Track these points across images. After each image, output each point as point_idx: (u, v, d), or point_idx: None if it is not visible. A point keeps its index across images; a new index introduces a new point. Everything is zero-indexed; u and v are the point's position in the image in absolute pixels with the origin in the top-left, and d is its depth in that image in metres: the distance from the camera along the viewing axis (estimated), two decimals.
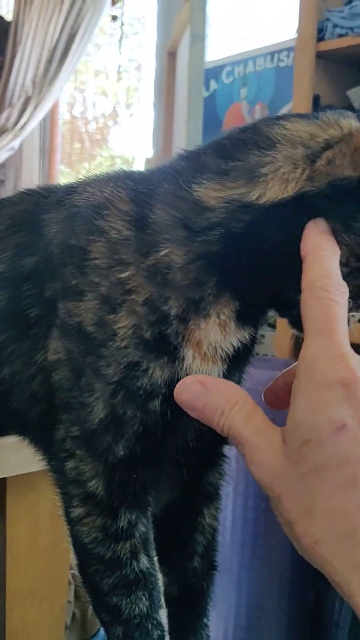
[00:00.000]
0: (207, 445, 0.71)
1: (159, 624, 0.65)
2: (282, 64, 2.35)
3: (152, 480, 0.64)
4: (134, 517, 0.63)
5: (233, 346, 0.62)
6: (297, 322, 0.61)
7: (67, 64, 3.01)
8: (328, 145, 0.60)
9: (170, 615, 0.74)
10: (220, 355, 0.61)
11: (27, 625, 1.02)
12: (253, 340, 0.64)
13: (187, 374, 0.60)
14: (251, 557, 1.76)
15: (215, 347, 0.60)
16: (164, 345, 0.59)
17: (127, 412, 0.60)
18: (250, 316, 0.61)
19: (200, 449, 0.70)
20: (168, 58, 2.71)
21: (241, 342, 0.62)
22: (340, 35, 1.76)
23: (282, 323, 1.91)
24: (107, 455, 0.61)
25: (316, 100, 1.86)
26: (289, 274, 0.59)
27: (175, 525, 0.74)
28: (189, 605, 0.74)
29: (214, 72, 2.61)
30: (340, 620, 1.69)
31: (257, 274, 0.59)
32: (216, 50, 2.81)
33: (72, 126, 4.74)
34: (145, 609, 0.63)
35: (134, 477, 0.61)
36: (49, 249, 0.65)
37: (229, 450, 0.75)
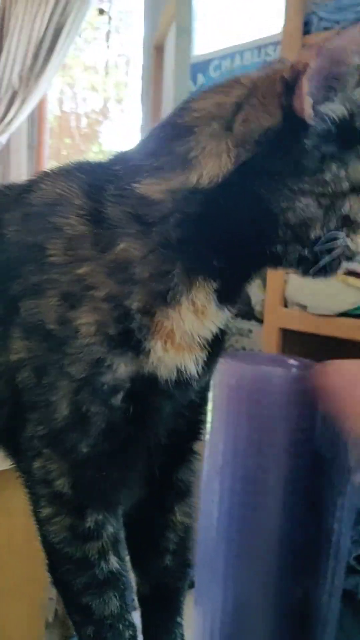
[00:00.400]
0: (178, 441, 0.71)
1: (131, 625, 0.65)
2: (269, 58, 2.33)
3: (120, 479, 0.64)
4: (101, 517, 0.63)
5: (212, 332, 0.62)
6: (300, 261, 0.62)
7: (54, 58, 3.00)
8: (238, 107, 0.61)
9: (143, 616, 0.74)
10: (199, 342, 0.62)
11: (5, 623, 1.01)
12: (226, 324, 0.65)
13: (156, 366, 0.60)
14: (237, 554, 1.75)
15: (192, 335, 0.61)
16: (129, 340, 0.59)
17: (90, 409, 0.60)
18: (231, 292, 0.61)
19: (171, 445, 0.70)
20: (155, 52, 2.69)
21: (220, 326, 0.62)
22: (326, 29, 1.75)
23: (269, 317, 1.90)
24: (72, 454, 0.61)
25: None
26: (264, 231, 0.60)
27: (147, 524, 0.74)
28: (162, 604, 0.74)
29: (202, 66, 2.60)
30: (328, 616, 1.69)
31: (229, 246, 0.60)
32: (204, 44, 2.80)
33: (62, 122, 4.72)
34: (116, 610, 0.64)
35: (100, 475, 0.61)
36: (8, 249, 0.65)
37: (200, 447, 0.75)
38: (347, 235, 0.61)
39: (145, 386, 0.61)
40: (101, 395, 0.60)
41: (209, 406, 2.02)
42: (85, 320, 0.59)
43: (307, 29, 1.79)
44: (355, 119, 0.59)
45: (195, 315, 0.61)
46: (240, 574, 1.77)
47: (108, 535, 0.64)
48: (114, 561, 0.64)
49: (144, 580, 0.75)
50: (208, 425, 1.83)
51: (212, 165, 0.60)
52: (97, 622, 0.63)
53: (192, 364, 0.62)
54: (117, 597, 0.64)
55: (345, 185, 0.59)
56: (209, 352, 0.64)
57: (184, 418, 0.71)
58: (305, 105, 0.57)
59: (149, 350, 0.60)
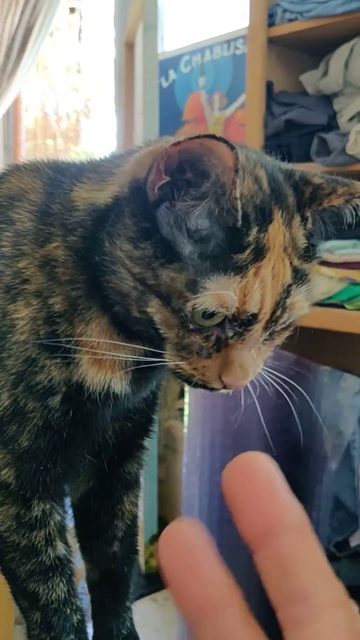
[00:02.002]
0: (127, 439, 0.72)
1: (79, 609, 0.66)
2: (238, 52, 2.34)
3: (64, 473, 0.65)
4: (48, 506, 0.64)
5: (128, 360, 0.62)
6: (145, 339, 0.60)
7: (26, 58, 2.98)
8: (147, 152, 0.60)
9: (93, 601, 0.76)
10: (121, 365, 0.62)
11: None
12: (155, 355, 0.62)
13: (84, 380, 0.61)
14: (219, 546, 1.75)
15: (113, 357, 0.61)
16: (57, 346, 0.60)
17: (27, 404, 0.61)
18: (130, 329, 0.61)
19: (120, 442, 0.71)
20: (126, 49, 2.69)
21: (140, 355, 0.62)
22: (290, 20, 1.76)
23: None
24: (13, 445, 0.62)
25: (269, 87, 1.85)
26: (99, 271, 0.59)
27: (96, 513, 0.76)
28: (111, 589, 0.76)
29: (173, 62, 2.60)
30: None
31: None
32: (175, 40, 2.80)
33: (43, 123, 4.70)
34: (63, 595, 0.65)
35: (42, 469, 0.62)
36: None
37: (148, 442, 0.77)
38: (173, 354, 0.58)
39: (79, 393, 0.62)
40: (36, 394, 0.61)
41: (186, 399, 2.03)
42: (20, 315, 0.61)
43: (271, 21, 1.80)
44: (174, 232, 0.56)
45: (106, 336, 0.61)
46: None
47: (55, 523, 0.65)
48: (61, 547, 0.66)
49: (94, 567, 0.77)
50: (186, 419, 1.84)
51: (107, 191, 0.61)
52: (43, 607, 0.64)
53: (118, 383, 0.63)
54: (64, 582, 0.65)
55: (151, 280, 0.56)
56: (137, 374, 0.64)
57: (132, 420, 0.71)
58: (152, 178, 0.55)
59: (77, 362, 0.61)
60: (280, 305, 0.57)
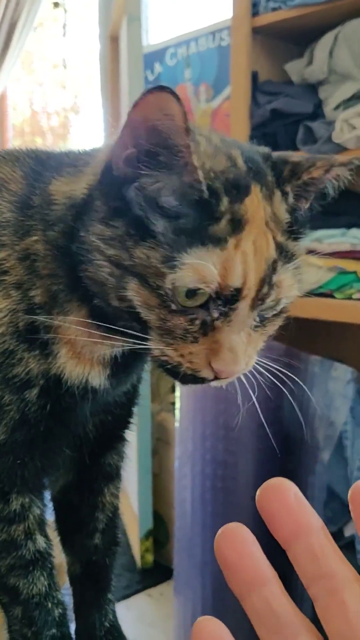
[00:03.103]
0: (108, 432, 0.71)
1: (60, 602, 0.65)
2: (223, 43, 2.33)
3: (42, 467, 0.65)
4: (27, 500, 0.64)
5: (107, 354, 0.61)
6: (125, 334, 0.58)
7: (10, 54, 2.97)
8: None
9: (74, 594, 0.75)
10: (99, 359, 0.61)
11: None
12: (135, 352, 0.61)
13: (62, 373, 0.60)
14: (212, 539, 1.75)
15: (91, 350, 0.60)
16: (36, 338, 0.59)
17: (4, 397, 0.60)
18: (110, 324, 0.59)
19: (101, 435, 0.70)
20: (111, 43, 2.67)
21: (119, 351, 0.61)
22: (274, 9, 1.75)
23: None
24: None
25: (254, 77, 1.84)
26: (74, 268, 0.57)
27: (76, 505, 0.75)
28: (92, 582, 0.75)
29: (158, 54, 2.59)
30: (304, 594, 1.70)
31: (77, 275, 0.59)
32: (160, 33, 2.79)
33: (32, 121, 4.68)
34: (44, 588, 0.64)
35: (19, 463, 0.61)
36: None
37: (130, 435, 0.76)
38: (164, 343, 0.56)
39: (57, 387, 0.61)
40: (13, 386, 0.60)
41: (177, 393, 2.01)
42: (0, 306, 0.60)
43: (255, 10, 1.79)
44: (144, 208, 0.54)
45: (84, 331, 0.60)
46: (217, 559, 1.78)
47: (34, 517, 0.64)
48: (41, 541, 0.65)
49: (75, 559, 0.76)
50: (177, 412, 1.83)
51: (83, 182, 0.59)
52: (24, 601, 0.63)
53: (96, 378, 0.62)
54: (45, 576, 0.64)
55: (127, 261, 0.54)
56: (116, 368, 0.63)
57: (112, 414, 0.70)
58: (116, 151, 0.54)
59: (56, 354, 0.60)
60: (267, 282, 0.55)
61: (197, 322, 0.55)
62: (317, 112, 1.76)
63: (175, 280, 0.53)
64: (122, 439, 0.75)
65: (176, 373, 0.58)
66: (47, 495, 0.75)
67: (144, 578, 2.41)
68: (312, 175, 0.59)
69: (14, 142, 3.80)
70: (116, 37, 2.63)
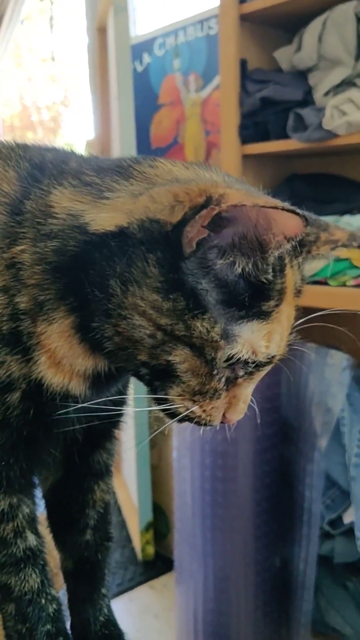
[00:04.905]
0: (96, 432, 0.71)
1: (54, 599, 0.65)
2: (212, 32, 2.31)
3: (28, 467, 0.64)
4: (15, 500, 0.64)
5: (88, 369, 0.61)
6: (138, 375, 0.60)
7: None
8: (167, 185, 0.56)
9: (68, 590, 0.76)
10: (78, 372, 0.60)
11: None
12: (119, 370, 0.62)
13: (43, 378, 0.59)
14: (213, 529, 1.76)
15: (71, 362, 0.60)
16: (18, 342, 0.59)
17: None
18: (95, 342, 0.59)
19: (89, 435, 0.70)
20: (98, 34, 2.65)
21: (100, 370, 0.61)
22: None
23: None
24: None
25: (243, 65, 1.83)
26: (99, 308, 0.56)
27: (67, 502, 0.76)
28: (85, 578, 0.75)
29: (146, 45, 2.57)
30: (305, 582, 1.71)
31: (84, 296, 0.58)
32: (147, 23, 2.77)
33: (24, 116, 4.66)
34: (36, 585, 0.64)
35: (3, 464, 0.61)
36: None
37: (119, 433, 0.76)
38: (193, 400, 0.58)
39: (39, 392, 0.60)
40: None
41: None
42: None
43: None
44: (214, 291, 0.55)
45: (66, 342, 0.59)
46: (218, 548, 1.78)
47: (24, 515, 0.65)
48: (31, 538, 0.65)
49: (67, 556, 0.77)
50: None
51: (108, 216, 0.56)
52: (17, 598, 0.64)
53: (77, 387, 0.62)
54: (37, 573, 0.65)
55: (182, 332, 0.54)
56: (98, 381, 0.63)
57: (100, 417, 0.70)
58: (193, 234, 0.53)
59: (36, 361, 0.60)
60: (288, 343, 0.61)
61: (223, 379, 0.58)
62: (307, 99, 1.75)
63: (231, 354, 0.56)
64: (112, 438, 0.75)
65: (187, 420, 0.61)
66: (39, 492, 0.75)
67: (146, 570, 2.42)
68: (319, 252, 0.64)
69: (5, 137, 3.78)
70: (104, 29, 2.61)
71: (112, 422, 0.73)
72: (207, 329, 0.54)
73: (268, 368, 0.60)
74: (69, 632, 0.69)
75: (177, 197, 0.53)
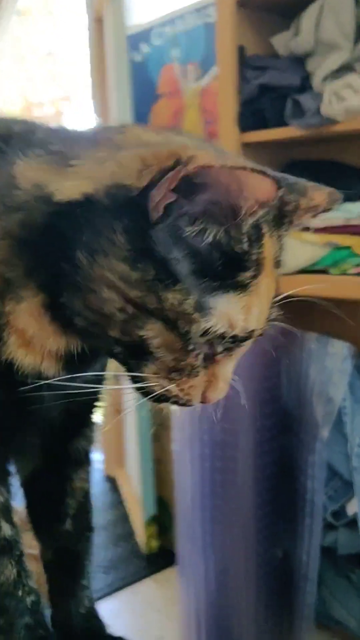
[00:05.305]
0: (74, 417, 0.69)
1: (32, 590, 0.64)
2: (210, 20, 2.29)
3: (5, 454, 0.63)
4: None
5: (61, 348, 0.59)
6: (112, 354, 0.57)
7: None
8: (134, 150, 0.54)
9: (48, 581, 0.74)
10: (50, 352, 0.58)
11: None
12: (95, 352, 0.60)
13: (13, 359, 0.57)
14: (213, 521, 1.74)
15: (41, 343, 0.57)
16: None
17: None
18: (66, 320, 0.56)
19: (66, 420, 0.68)
20: (95, 24, 2.63)
21: (73, 349, 0.58)
22: None
23: None
24: None
25: (241, 51, 1.81)
26: (66, 282, 0.54)
27: (46, 491, 0.74)
28: (65, 568, 0.74)
29: (144, 35, 2.55)
30: (308, 574, 1.69)
31: (52, 270, 0.55)
32: (145, 13, 2.74)
33: (27, 112, 4.66)
34: (12, 576, 0.62)
35: None
36: None
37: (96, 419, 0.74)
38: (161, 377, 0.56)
39: (10, 374, 0.58)
40: None
41: None
42: None
43: None
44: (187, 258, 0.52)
45: (35, 321, 0.57)
46: (219, 540, 1.77)
47: None
48: (6, 528, 0.64)
49: (47, 546, 0.75)
50: None
51: (71, 184, 0.54)
52: None
53: (51, 369, 0.59)
54: (13, 564, 0.63)
55: (153, 305, 0.52)
56: (71, 361, 0.60)
57: (76, 402, 0.68)
58: (160, 197, 0.50)
59: (6, 341, 0.58)
60: (269, 318, 0.58)
61: (201, 356, 0.56)
62: (305, 85, 1.73)
63: (206, 327, 0.53)
64: (89, 424, 0.73)
65: (165, 400, 0.58)
66: (16, 482, 0.74)
67: (150, 564, 2.41)
68: (301, 220, 0.62)
69: None
70: (100, 19, 2.59)
71: (88, 404, 0.71)
72: (179, 300, 0.52)
73: (248, 344, 0.58)
74: (49, 624, 0.68)
75: (145, 161, 0.51)
